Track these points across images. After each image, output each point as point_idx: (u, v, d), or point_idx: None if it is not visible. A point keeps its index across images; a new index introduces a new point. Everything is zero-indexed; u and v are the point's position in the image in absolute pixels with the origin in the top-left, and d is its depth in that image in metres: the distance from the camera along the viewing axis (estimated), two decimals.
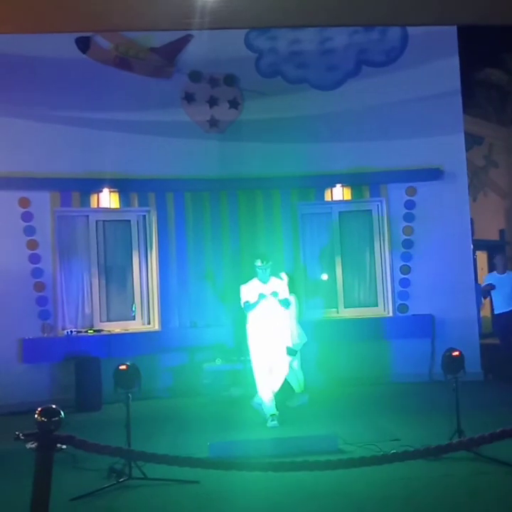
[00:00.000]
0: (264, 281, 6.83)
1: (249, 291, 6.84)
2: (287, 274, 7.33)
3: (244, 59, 9.30)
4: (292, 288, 7.23)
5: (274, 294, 6.73)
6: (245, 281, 6.99)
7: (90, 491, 4.66)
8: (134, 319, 9.18)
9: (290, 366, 7.19)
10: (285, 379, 7.06)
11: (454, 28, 9.36)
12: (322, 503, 4.40)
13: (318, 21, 9.11)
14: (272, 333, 6.79)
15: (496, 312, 9.11)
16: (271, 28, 9.25)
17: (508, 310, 8.82)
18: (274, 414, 6.65)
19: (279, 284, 6.91)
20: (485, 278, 9.47)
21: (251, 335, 6.88)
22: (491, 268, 12.50)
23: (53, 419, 3.20)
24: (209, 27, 8.72)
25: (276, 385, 6.80)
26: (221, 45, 9.12)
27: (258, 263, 6.81)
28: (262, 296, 6.71)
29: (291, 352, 7.03)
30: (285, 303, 6.81)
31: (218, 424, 6.84)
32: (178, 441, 6.23)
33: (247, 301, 6.82)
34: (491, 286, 9.04)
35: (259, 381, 6.78)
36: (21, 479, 3.95)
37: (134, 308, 9.18)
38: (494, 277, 9.13)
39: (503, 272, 9.02)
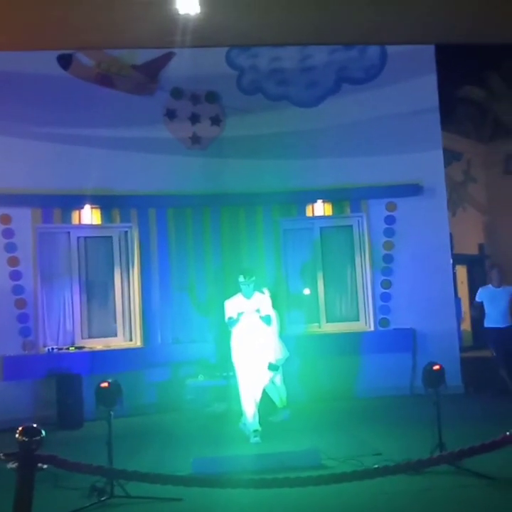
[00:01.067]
0: (248, 297, 6.86)
1: (233, 306, 6.86)
2: (269, 289, 7.35)
3: (225, 76, 9.36)
4: (274, 303, 7.25)
5: (257, 310, 6.77)
6: (228, 297, 7.02)
7: (72, 510, 4.60)
8: (116, 336, 9.15)
9: (272, 381, 7.20)
10: (267, 394, 7.06)
11: (432, 47, 9.53)
12: None
13: (299, 40, 9.27)
14: (255, 349, 6.81)
15: (488, 325, 8.60)
16: (252, 47, 9.37)
17: (502, 326, 8.44)
18: (257, 430, 6.64)
19: (263, 300, 6.94)
20: (479, 291, 8.97)
21: (235, 350, 6.90)
22: (471, 282, 12.57)
23: (34, 438, 3.19)
24: (191, 45, 8.83)
25: (257, 397, 6.80)
26: (203, 62, 9.21)
27: (241, 279, 6.85)
28: (240, 314, 6.74)
29: (273, 367, 7.04)
30: (267, 320, 6.84)
31: (202, 439, 6.82)
32: (161, 457, 6.19)
33: (230, 317, 6.84)
34: (479, 306, 8.75)
35: (244, 396, 6.79)
36: (2, 497, 3.90)
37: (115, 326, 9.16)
38: (488, 290, 8.72)
39: (499, 286, 8.59)
